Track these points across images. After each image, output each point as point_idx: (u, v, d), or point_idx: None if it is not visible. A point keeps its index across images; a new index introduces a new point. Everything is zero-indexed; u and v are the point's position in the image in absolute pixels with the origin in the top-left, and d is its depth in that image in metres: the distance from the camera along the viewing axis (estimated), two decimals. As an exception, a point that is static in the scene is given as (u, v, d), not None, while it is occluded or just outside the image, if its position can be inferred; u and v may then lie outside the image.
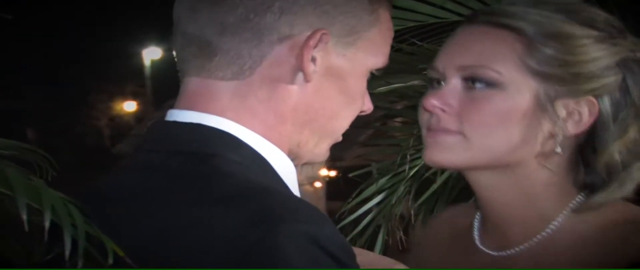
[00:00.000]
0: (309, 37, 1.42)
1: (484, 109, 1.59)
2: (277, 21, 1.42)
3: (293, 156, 1.49)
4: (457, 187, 3.18)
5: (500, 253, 1.67)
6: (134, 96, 35.56)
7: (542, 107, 1.57)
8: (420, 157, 3.09)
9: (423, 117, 1.67)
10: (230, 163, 1.39)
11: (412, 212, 3.11)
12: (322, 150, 1.53)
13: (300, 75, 1.44)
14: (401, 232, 3.22)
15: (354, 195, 3.19)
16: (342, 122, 1.53)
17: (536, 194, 1.63)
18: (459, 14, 3.28)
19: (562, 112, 1.58)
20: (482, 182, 1.66)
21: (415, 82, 3.13)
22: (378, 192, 3.20)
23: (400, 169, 3.14)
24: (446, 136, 1.62)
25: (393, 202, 3.19)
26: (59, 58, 35.64)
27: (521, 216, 1.64)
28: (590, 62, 1.57)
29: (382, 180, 3.16)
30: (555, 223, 1.61)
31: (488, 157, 1.60)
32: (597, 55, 1.57)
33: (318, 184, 15.58)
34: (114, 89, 35.75)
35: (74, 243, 1.30)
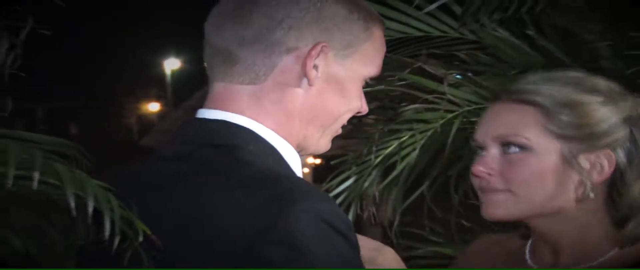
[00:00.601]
0: (312, 49, 1.43)
1: (521, 170, 1.60)
2: (285, 36, 1.43)
3: (300, 148, 1.51)
4: (414, 174, 3.18)
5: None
6: (157, 98, 35.70)
7: (569, 162, 1.58)
8: (384, 148, 3.15)
9: (475, 181, 1.68)
10: (249, 153, 1.40)
11: (377, 192, 3.15)
12: (325, 142, 1.54)
13: (305, 81, 1.44)
14: (373, 209, 3.21)
15: (329, 179, 3.20)
16: (341, 120, 1.53)
17: (586, 233, 1.62)
18: (420, 30, 3.27)
19: (586, 165, 1.58)
20: (539, 228, 1.65)
21: (382, 87, 3.12)
22: (355, 174, 3.20)
23: (367, 158, 3.16)
24: (497, 195, 1.62)
25: (366, 184, 3.18)
26: (98, 67, 35.82)
27: (575, 246, 1.63)
28: (600, 122, 1.58)
29: (354, 168, 3.18)
30: (605, 257, 1.60)
31: (535, 208, 1.61)
32: (605, 115, 1.58)
33: (306, 170, 15.53)
34: (141, 93, 35.94)
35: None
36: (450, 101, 3.17)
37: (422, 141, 3.14)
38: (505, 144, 1.62)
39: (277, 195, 1.30)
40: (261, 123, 1.44)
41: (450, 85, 3.19)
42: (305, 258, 1.25)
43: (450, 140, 3.12)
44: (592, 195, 1.57)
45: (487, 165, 1.63)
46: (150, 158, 1.57)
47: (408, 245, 3.25)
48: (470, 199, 3.15)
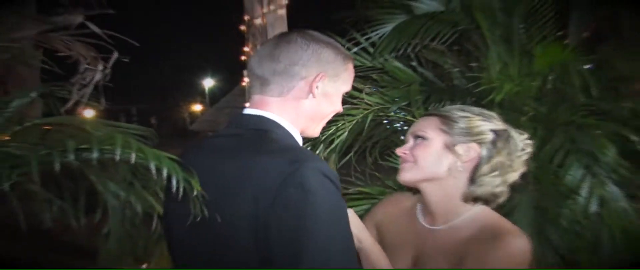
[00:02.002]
0: (315, 77, 1.44)
1: (420, 149, 1.60)
2: (300, 70, 1.44)
3: (303, 134, 1.51)
4: (345, 146, 3.18)
5: (431, 227, 1.64)
6: (200, 102, 35.75)
7: (448, 148, 1.58)
8: (327, 131, 3.14)
9: (400, 157, 1.69)
10: (276, 134, 1.41)
11: (323, 157, 3.14)
12: (317, 131, 1.54)
13: (310, 95, 1.45)
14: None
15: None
16: (328, 118, 1.54)
17: (452, 197, 1.60)
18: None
19: (460, 151, 1.58)
20: (425, 189, 1.63)
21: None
22: (309, 146, 3.16)
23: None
24: (407, 163, 1.63)
25: (316, 152, 3.14)
26: (167, 85, 35.91)
27: (444, 209, 1.62)
28: (475, 127, 1.59)
29: (308, 143, 3.15)
30: (461, 217, 1.60)
31: (424, 173, 1.60)
32: (479, 124, 1.60)
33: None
34: (191, 99, 35.98)
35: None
36: (366, 103, 3.16)
37: (350, 127, 3.14)
38: (416, 137, 1.63)
39: (295, 158, 1.30)
40: (283, 118, 1.45)
41: (366, 93, 3.18)
42: (310, 194, 1.25)
43: (366, 126, 3.13)
44: (460, 169, 1.58)
45: (404, 148, 1.65)
46: (214, 135, 1.56)
47: (343, 187, 3.24)
48: (378, 161, 3.23)
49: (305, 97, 1.46)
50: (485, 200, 1.60)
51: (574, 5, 3.46)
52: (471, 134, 1.59)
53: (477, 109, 1.66)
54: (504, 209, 1.77)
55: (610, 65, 3.07)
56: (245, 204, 1.29)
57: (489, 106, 2.99)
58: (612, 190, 2.85)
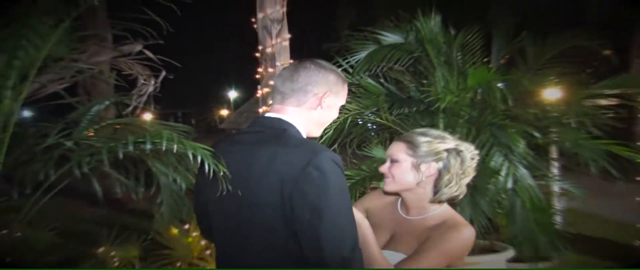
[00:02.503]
0: (323, 94, 1.41)
1: (395, 169, 1.54)
2: (312, 88, 1.40)
3: (308, 135, 1.46)
4: (331, 141, 3.12)
5: (407, 217, 1.58)
6: (226, 108, 35.34)
7: (415, 167, 1.52)
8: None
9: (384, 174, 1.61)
10: (291, 132, 1.37)
11: None
12: (319, 133, 1.49)
13: (319, 107, 1.41)
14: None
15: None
16: (328, 123, 1.50)
17: (422, 200, 1.54)
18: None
19: (423, 168, 1.52)
20: (403, 194, 1.58)
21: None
22: None
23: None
24: (388, 179, 1.56)
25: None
26: (203, 96, 35.51)
27: (417, 207, 1.56)
28: (434, 150, 1.51)
29: None
30: (429, 213, 1.54)
31: (400, 186, 1.55)
32: (437, 147, 1.52)
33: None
34: (219, 106, 35.61)
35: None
36: (347, 109, 3.13)
37: (334, 126, 3.11)
38: (391, 160, 1.57)
39: (312, 149, 1.27)
40: (296, 122, 1.41)
41: (347, 102, 3.11)
42: (326, 175, 1.23)
43: (346, 126, 3.12)
44: (426, 182, 1.53)
45: (385, 168, 1.58)
46: (241, 131, 1.50)
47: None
48: (355, 151, 3.21)
49: (314, 108, 1.40)
50: (449, 201, 1.57)
51: (495, 40, 3.54)
52: (432, 155, 1.54)
53: (435, 132, 1.57)
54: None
55: (520, 83, 3.14)
56: (273, 182, 1.27)
57: (435, 112, 3.07)
58: (523, 172, 2.93)
